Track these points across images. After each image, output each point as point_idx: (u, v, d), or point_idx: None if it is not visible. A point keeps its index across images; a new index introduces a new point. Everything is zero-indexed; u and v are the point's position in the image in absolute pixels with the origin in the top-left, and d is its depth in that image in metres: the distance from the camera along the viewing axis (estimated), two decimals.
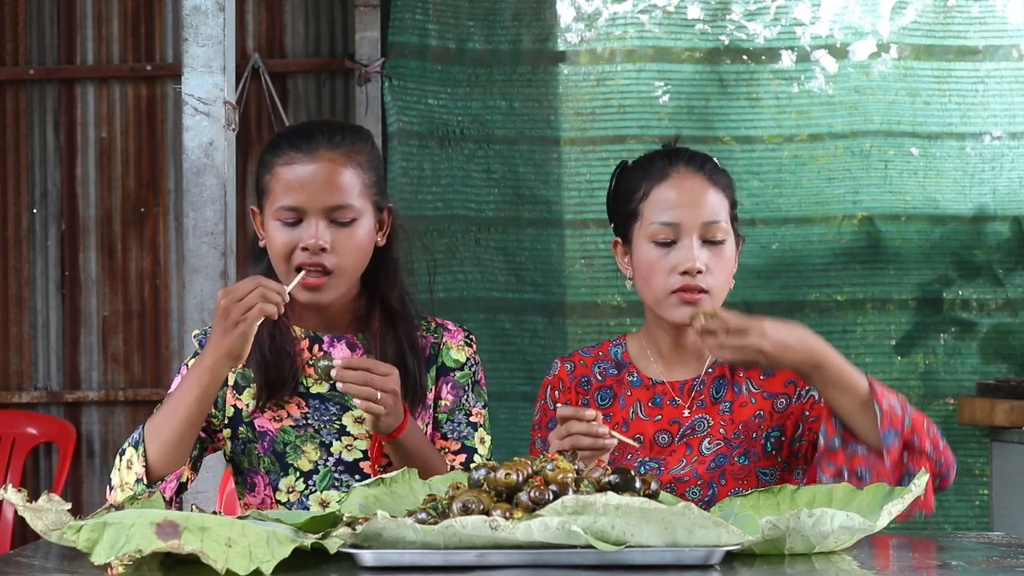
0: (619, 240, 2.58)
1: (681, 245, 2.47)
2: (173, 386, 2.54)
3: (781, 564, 1.90)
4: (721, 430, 2.51)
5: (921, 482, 2.08)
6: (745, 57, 4.58)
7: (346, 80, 4.88)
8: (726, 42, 4.58)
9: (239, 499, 2.61)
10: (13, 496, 1.99)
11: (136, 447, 2.37)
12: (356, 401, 2.36)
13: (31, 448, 4.95)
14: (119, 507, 2.05)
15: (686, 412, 2.53)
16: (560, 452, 2.20)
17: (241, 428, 2.53)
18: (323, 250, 2.44)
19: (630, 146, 4.54)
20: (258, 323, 2.30)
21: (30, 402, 5.01)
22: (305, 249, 2.44)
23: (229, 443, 2.55)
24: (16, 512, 1.99)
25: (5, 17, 5.02)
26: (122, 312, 5.00)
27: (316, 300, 2.49)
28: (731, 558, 1.89)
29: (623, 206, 2.56)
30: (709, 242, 2.48)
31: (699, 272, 2.45)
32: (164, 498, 2.32)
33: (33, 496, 2.00)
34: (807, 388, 2.50)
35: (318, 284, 2.46)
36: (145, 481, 2.34)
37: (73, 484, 4.99)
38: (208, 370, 2.32)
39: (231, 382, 2.54)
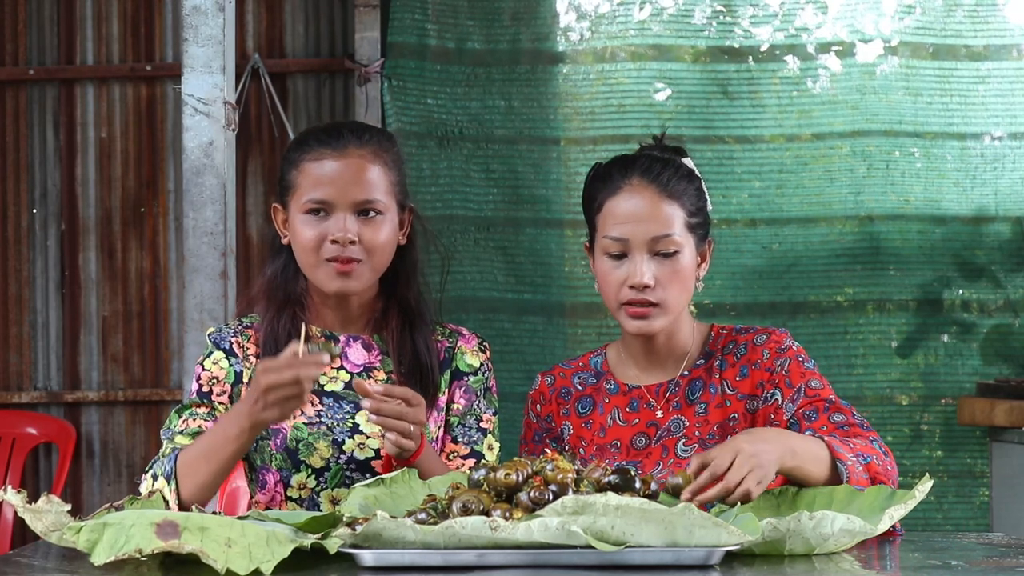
0: (588, 244, 2.61)
1: (631, 259, 2.48)
2: (192, 390, 2.58)
3: (781, 564, 1.90)
4: (696, 432, 2.52)
5: (924, 487, 2.08)
6: (747, 57, 4.57)
7: (346, 80, 4.87)
8: (728, 41, 4.57)
9: (251, 496, 2.62)
10: (13, 497, 1.99)
11: (168, 481, 2.38)
12: (388, 436, 2.33)
13: (31, 448, 4.94)
14: (119, 507, 2.05)
15: (659, 414, 2.55)
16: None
17: None
18: (352, 243, 2.48)
19: (631, 146, 4.51)
20: (297, 411, 2.33)
21: (30, 402, 5.00)
22: (334, 242, 2.48)
23: None
24: (16, 512, 1.99)
25: (5, 17, 5.02)
26: (122, 312, 4.99)
27: (345, 288, 2.50)
28: (731, 558, 1.89)
29: (586, 214, 2.59)
30: (661, 255, 2.48)
31: (647, 287, 2.47)
32: None
33: (33, 497, 2.00)
34: (771, 392, 2.50)
35: (349, 270, 2.48)
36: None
37: (73, 484, 4.99)
38: (249, 430, 2.34)
39: (245, 379, 2.56)
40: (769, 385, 2.50)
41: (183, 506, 2.37)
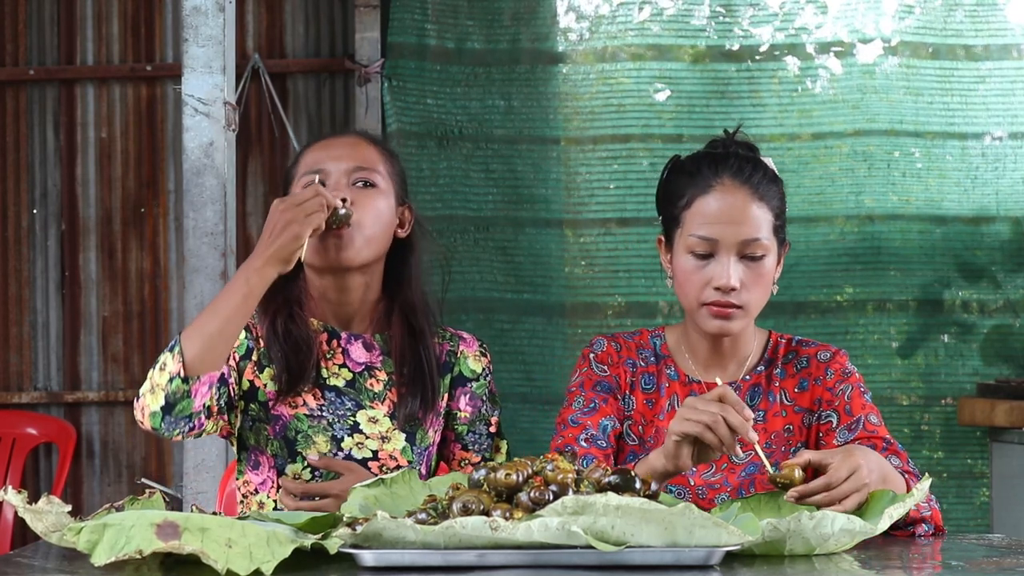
0: (662, 239, 2.56)
1: (718, 260, 2.43)
2: None
3: (781, 564, 1.90)
4: None
5: (923, 486, 2.08)
6: (747, 57, 4.57)
7: (346, 80, 4.88)
8: (727, 42, 4.57)
9: (239, 476, 2.60)
10: (13, 498, 1.99)
11: (171, 350, 2.33)
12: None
13: (31, 448, 4.94)
14: (119, 508, 2.05)
15: None
16: (681, 436, 2.17)
17: (253, 405, 2.54)
18: (343, 201, 2.47)
19: (630, 145, 4.54)
20: (311, 229, 2.33)
21: (30, 402, 5.01)
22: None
23: (239, 416, 2.56)
24: (16, 513, 1.99)
25: (5, 17, 5.02)
26: (122, 312, 4.99)
27: (339, 259, 2.47)
28: (731, 558, 1.89)
29: (667, 209, 2.53)
30: (748, 258, 2.44)
31: (733, 289, 2.43)
32: (194, 404, 2.32)
33: (33, 497, 2.00)
34: (827, 412, 2.49)
35: (340, 233, 2.47)
36: (182, 375, 2.30)
37: (73, 484, 4.99)
38: (256, 272, 2.33)
39: (255, 358, 2.54)
40: (827, 405, 2.50)
41: (188, 365, 2.30)
